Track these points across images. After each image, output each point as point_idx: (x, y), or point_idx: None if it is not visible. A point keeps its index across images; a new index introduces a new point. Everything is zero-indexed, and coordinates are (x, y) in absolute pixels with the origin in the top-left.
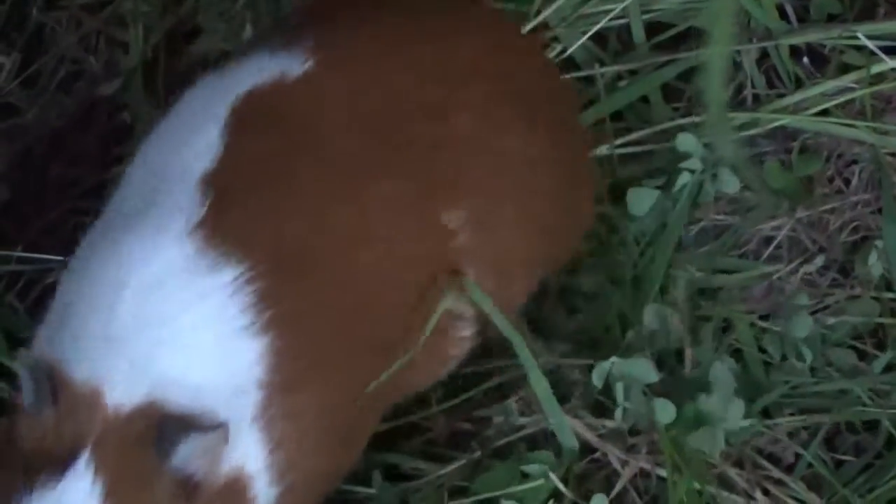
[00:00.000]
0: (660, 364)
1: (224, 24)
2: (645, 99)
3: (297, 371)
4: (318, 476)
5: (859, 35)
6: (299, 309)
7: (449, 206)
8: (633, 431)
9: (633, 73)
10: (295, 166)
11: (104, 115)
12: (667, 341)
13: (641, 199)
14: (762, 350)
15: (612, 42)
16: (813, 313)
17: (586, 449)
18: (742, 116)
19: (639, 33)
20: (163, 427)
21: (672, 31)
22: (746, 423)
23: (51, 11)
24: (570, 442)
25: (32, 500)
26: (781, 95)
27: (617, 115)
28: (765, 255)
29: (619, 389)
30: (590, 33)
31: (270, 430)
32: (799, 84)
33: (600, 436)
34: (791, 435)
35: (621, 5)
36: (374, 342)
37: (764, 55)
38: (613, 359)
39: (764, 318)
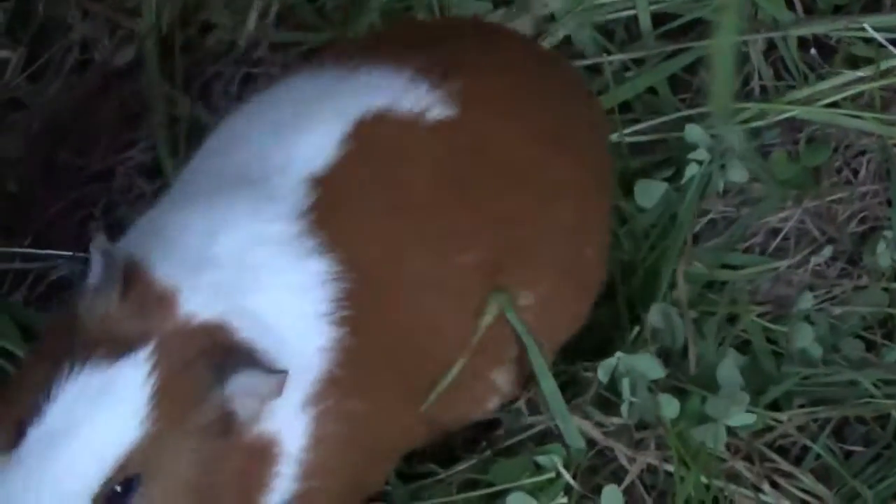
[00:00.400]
0: (666, 359)
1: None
2: (652, 90)
3: (356, 376)
4: (340, 488)
5: (866, 27)
6: (372, 324)
7: (521, 286)
8: (641, 426)
9: (639, 63)
10: (399, 201)
11: (113, 103)
12: (672, 338)
13: (649, 192)
14: (771, 341)
15: (619, 32)
16: (821, 304)
17: (595, 442)
18: (750, 108)
19: (646, 24)
20: (229, 350)
21: (678, 22)
22: (751, 418)
23: (56, 3)
24: (576, 443)
25: (82, 374)
26: (789, 87)
27: (624, 106)
28: (772, 247)
29: (624, 385)
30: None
31: (318, 421)
32: (806, 76)
33: (607, 433)
34: (800, 427)
35: None
36: (424, 376)
37: (771, 46)
38: (619, 354)
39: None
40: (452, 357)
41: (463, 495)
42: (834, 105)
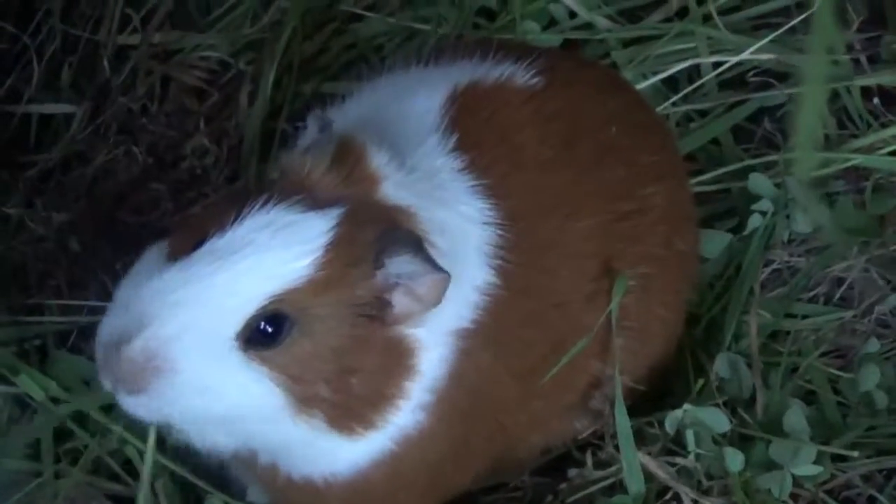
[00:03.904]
0: (732, 408)
1: None
2: (715, 140)
3: (497, 331)
4: (445, 447)
5: None
6: (517, 283)
7: (625, 265)
8: (707, 476)
9: (702, 113)
10: (516, 158)
11: (173, 161)
12: (739, 388)
13: (713, 242)
14: (836, 391)
15: (683, 83)
16: (886, 353)
17: (660, 492)
18: (816, 157)
19: (708, 74)
20: (405, 233)
21: (741, 71)
22: (818, 468)
23: (120, 60)
24: (637, 486)
25: (274, 209)
26: (853, 136)
27: (688, 156)
28: (837, 296)
29: (689, 437)
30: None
31: (458, 359)
32: (870, 124)
33: (671, 475)
34: (865, 477)
35: (690, 45)
36: (543, 355)
37: (835, 96)
38: (686, 406)
39: (838, 357)
40: (569, 340)
41: None
42: None
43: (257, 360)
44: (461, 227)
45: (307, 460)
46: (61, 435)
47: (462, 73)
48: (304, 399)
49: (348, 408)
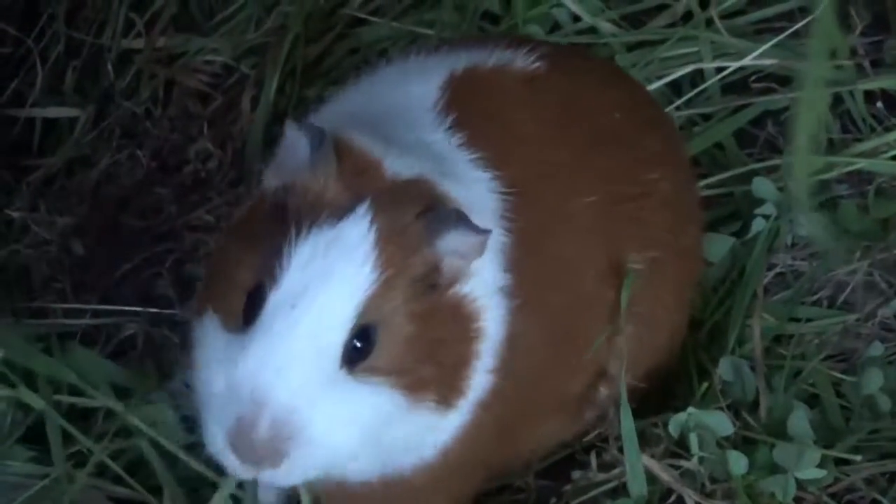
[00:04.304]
0: (735, 411)
1: None
2: (719, 144)
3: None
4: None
5: None
6: (529, 253)
7: (631, 246)
8: (711, 479)
9: (706, 117)
10: (513, 134)
11: (177, 165)
12: (742, 391)
13: (717, 246)
14: (840, 395)
15: (686, 87)
16: (890, 357)
17: (663, 495)
18: (818, 160)
19: (711, 78)
20: (438, 208)
21: (744, 75)
22: (821, 472)
23: (124, 64)
24: (641, 488)
25: (311, 236)
26: (857, 140)
27: (692, 160)
28: (840, 300)
29: (693, 440)
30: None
31: (511, 314)
32: (873, 128)
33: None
34: (868, 481)
35: (693, 49)
36: (563, 333)
37: (838, 100)
38: (690, 410)
39: (841, 361)
40: (581, 323)
41: None
42: None
43: (363, 374)
44: (468, 193)
45: (402, 454)
46: (65, 438)
47: (459, 59)
48: (414, 386)
49: (444, 381)
